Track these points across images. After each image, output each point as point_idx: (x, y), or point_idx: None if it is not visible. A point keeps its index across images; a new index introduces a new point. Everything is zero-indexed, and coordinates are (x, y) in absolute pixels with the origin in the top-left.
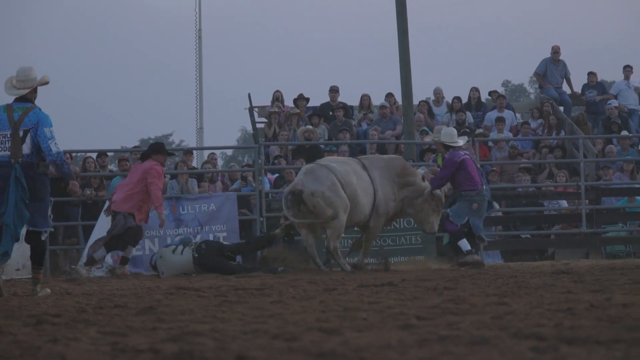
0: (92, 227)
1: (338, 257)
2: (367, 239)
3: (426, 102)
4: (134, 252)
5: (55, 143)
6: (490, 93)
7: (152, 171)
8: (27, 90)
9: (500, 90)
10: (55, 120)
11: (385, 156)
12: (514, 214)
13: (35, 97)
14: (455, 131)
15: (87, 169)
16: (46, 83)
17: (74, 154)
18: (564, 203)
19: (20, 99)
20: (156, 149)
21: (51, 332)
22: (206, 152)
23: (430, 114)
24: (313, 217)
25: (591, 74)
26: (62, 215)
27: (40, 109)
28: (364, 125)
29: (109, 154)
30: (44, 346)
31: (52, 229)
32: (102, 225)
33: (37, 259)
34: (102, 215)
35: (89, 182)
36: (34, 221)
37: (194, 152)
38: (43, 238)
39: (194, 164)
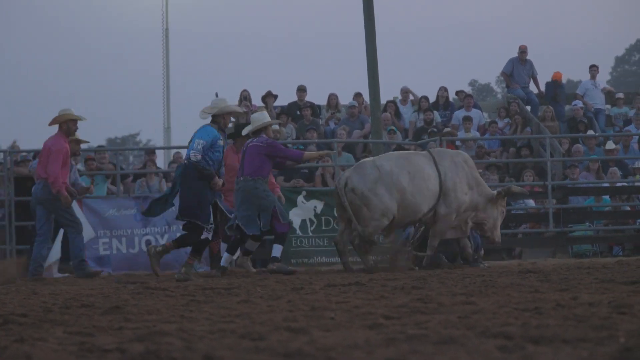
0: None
1: (368, 248)
2: (433, 235)
3: (393, 102)
4: (102, 252)
5: (194, 152)
6: (457, 92)
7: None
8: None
9: (468, 89)
10: (18, 120)
11: (457, 150)
12: None
13: (222, 121)
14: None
15: None
16: (231, 113)
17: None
18: (531, 202)
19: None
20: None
21: (17, 332)
22: (173, 152)
23: (397, 114)
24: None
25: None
26: (28, 215)
27: (208, 126)
28: (332, 125)
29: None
30: (10, 346)
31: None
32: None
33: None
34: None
35: None
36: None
37: (162, 151)
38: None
39: (161, 164)
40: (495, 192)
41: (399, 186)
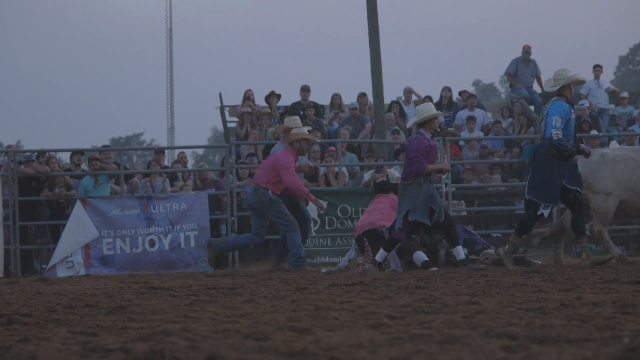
0: (61, 226)
1: (605, 241)
2: None
3: (397, 102)
4: (106, 251)
5: (555, 130)
6: (460, 93)
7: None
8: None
9: (471, 89)
10: (23, 119)
11: None
12: (485, 213)
13: (568, 92)
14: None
15: (52, 169)
16: (577, 81)
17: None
18: None
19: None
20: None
21: (22, 332)
22: (177, 152)
23: (402, 114)
24: None
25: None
26: (32, 214)
27: (559, 101)
28: (335, 125)
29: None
30: (15, 346)
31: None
32: (72, 225)
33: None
34: (72, 215)
35: (53, 181)
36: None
37: (165, 151)
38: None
39: (165, 163)
40: None
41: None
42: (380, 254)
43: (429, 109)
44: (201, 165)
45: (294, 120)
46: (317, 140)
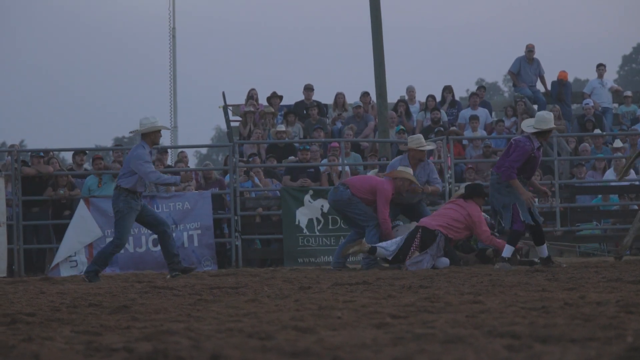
0: (62, 226)
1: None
2: None
3: (404, 101)
4: None
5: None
6: (471, 95)
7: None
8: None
9: (474, 88)
10: (26, 119)
11: None
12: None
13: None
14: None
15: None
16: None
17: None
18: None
19: None
20: (476, 192)
21: (25, 331)
22: (179, 151)
23: (408, 113)
24: None
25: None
26: (34, 214)
27: None
28: (339, 124)
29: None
30: (18, 345)
31: None
32: (76, 225)
33: None
34: (76, 215)
35: (56, 181)
36: None
37: (169, 150)
38: None
39: (169, 162)
40: None
41: None
42: (508, 249)
43: (550, 119)
44: (206, 165)
45: (417, 140)
46: (419, 188)
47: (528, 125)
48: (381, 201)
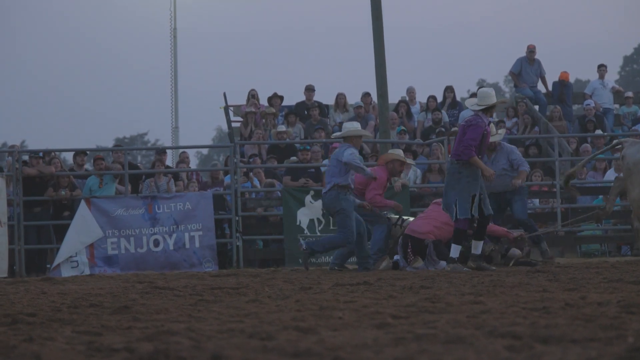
0: (62, 226)
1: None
2: None
3: (405, 101)
4: (111, 251)
5: None
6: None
7: None
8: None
9: (475, 89)
10: (29, 120)
11: None
12: None
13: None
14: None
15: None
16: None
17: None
18: (537, 202)
19: None
20: None
21: (26, 332)
22: (180, 151)
23: (409, 113)
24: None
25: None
26: (36, 215)
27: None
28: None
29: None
30: (19, 345)
31: None
32: (77, 225)
33: None
34: (77, 216)
35: (57, 181)
36: None
37: (170, 151)
38: None
39: (170, 163)
40: None
41: None
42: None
43: (492, 94)
44: (214, 164)
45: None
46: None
47: (472, 104)
48: (372, 185)
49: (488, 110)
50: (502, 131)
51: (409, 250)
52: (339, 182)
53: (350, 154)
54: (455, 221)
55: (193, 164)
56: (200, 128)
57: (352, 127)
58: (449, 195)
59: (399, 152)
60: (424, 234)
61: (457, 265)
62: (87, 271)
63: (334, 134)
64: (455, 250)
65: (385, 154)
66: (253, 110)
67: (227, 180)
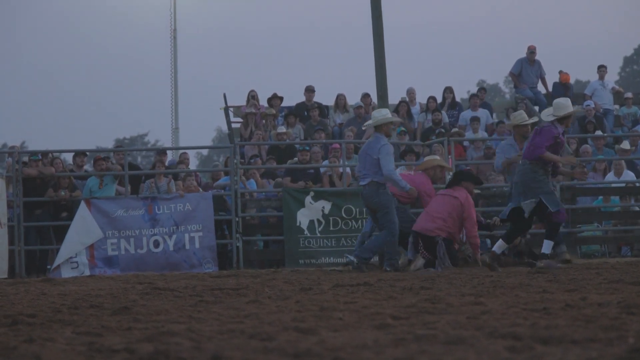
0: (62, 227)
1: None
2: None
3: (405, 102)
4: (111, 252)
5: None
6: (471, 96)
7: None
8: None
9: (475, 90)
10: (29, 121)
11: None
12: (489, 214)
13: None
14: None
15: (56, 170)
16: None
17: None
18: None
19: None
20: (465, 177)
21: (26, 332)
22: (180, 152)
23: (409, 114)
24: None
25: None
26: (36, 216)
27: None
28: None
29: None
30: (20, 346)
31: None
32: (77, 226)
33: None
34: (77, 216)
35: (57, 182)
36: None
37: (170, 151)
38: None
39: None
40: None
41: None
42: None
43: (567, 104)
44: (215, 165)
45: (519, 116)
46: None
47: (548, 115)
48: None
49: (563, 120)
50: (535, 117)
51: (420, 247)
52: (377, 180)
53: (388, 150)
54: (553, 216)
55: (193, 164)
56: (200, 129)
57: (381, 115)
58: (526, 195)
59: (439, 158)
60: (433, 230)
61: (550, 261)
62: (87, 272)
63: (366, 123)
64: (547, 246)
65: (425, 161)
66: (253, 111)
67: (222, 181)
